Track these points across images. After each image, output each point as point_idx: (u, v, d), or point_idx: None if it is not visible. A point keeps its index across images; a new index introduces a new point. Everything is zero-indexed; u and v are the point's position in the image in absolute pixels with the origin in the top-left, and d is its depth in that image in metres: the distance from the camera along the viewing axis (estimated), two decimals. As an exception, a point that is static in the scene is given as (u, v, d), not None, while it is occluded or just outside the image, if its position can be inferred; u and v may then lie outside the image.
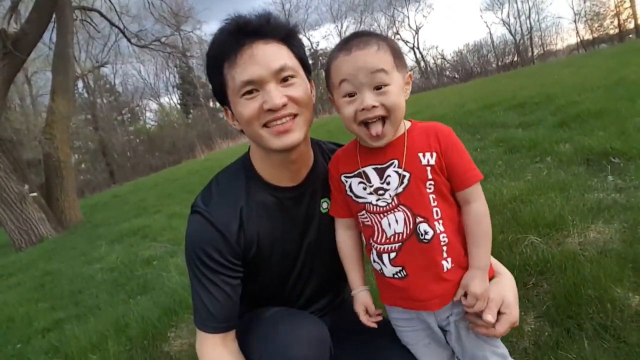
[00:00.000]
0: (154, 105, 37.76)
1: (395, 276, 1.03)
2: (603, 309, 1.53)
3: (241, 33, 1.00)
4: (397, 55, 0.99)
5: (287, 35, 1.04)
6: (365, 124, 0.97)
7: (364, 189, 1.04)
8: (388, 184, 1.01)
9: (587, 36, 33.49)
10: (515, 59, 34.09)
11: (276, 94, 0.98)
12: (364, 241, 1.10)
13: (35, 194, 8.56)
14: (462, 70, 33.41)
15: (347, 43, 0.98)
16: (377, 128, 0.97)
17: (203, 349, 1.07)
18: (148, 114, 37.86)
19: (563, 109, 5.20)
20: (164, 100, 37.98)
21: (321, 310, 1.31)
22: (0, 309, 4.11)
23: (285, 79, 1.01)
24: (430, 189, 1.00)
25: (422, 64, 36.22)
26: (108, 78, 33.86)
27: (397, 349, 1.12)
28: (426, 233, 0.99)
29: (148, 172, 25.14)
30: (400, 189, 1.00)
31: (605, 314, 1.51)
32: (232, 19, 1.02)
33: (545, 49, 35.38)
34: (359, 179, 1.04)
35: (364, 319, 1.12)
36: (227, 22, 1.03)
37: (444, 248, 1.00)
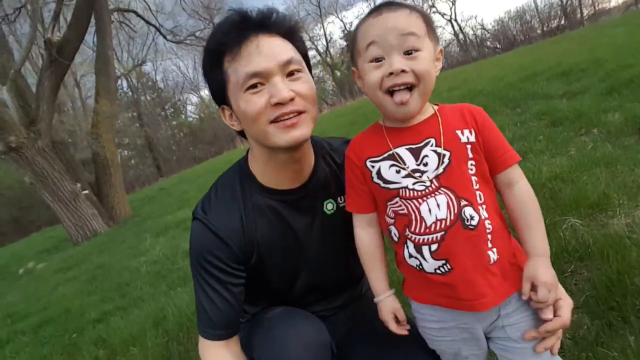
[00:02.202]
0: (194, 99, 38.90)
1: (438, 271, 0.91)
2: (650, 300, 1.38)
3: (245, 25, 0.96)
4: (429, 24, 0.92)
5: (290, 30, 1.01)
6: (391, 93, 0.89)
7: (397, 172, 0.92)
8: (425, 165, 0.90)
9: (646, -11, 30.44)
10: (563, 22, 31.72)
11: (283, 87, 0.93)
12: (397, 235, 0.97)
13: (87, 191, 9.09)
14: (504, 39, 31.62)
15: (377, 8, 0.92)
16: (403, 95, 0.88)
17: (205, 354, 1.07)
18: (189, 107, 39.07)
19: (613, 74, 4.77)
20: (204, 93, 38.91)
21: (338, 307, 1.27)
22: (59, 301, 4.43)
23: (291, 73, 0.96)
24: (472, 170, 0.91)
25: (461, 36, 34.63)
26: (150, 75, 35.20)
27: (423, 356, 1.05)
28: (472, 218, 0.88)
29: (192, 164, 26.03)
30: (440, 170, 0.89)
31: (652, 307, 1.36)
32: (235, 11, 0.99)
33: (597, 8, 32.57)
34: (391, 162, 0.93)
35: (393, 327, 1.02)
36: (229, 15, 0.99)
37: (489, 236, 0.89)
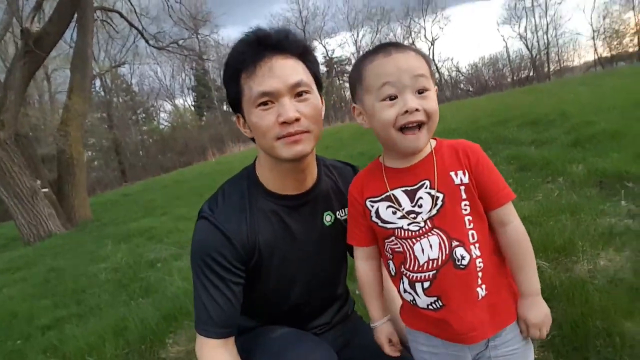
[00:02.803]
0: (168, 106, 38.24)
1: (430, 307, 0.96)
2: (612, 342, 1.47)
3: (261, 46, 1.02)
4: (430, 66, 0.97)
5: (304, 51, 1.07)
6: (401, 129, 0.93)
7: (394, 213, 0.97)
8: (420, 206, 0.95)
9: (605, 54, 33.14)
10: (531, 74, 33.83)
11: (290, 108, 1.00)
12: (394, 270, 1.03)
13: (46, 189, 8.68)
14: (476, 83, 33.27)
15: (383, 47, 0.96)
16: (414, 132, 0.93)
17: (204, 353, 1.06)
18: (162, 114, 38.34)
19: (578, 128, 5.12)
20: (179, 101, 38.40)
21: (327, 324, 1.29)
22: (4, 304, 4.15)
23: (299, 94, 1.03)
24: (466, 210, 0.94)
25: (437, 75, 36.13)
26: (125, 78, 34.45)
27: None
28: (463, 258, 0.93)
29: (159, 172, 25.38)
30: (433, 212, 0.94)
31: (614, 349, 1.46)
32: (252, 31, 1.05)
33: (562, 65, 35.05)
34: (388, 203, 0.98)
35: (387, 350, 1.08)
36: (247, 34, 1.06)
37: (479, 274, 0.94)
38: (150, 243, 5.52)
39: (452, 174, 0.95)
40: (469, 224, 0.94)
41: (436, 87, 0.99)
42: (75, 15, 9.31)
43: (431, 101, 0.92)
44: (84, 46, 10.10)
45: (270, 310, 1.22)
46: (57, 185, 9.30)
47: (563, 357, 1.50)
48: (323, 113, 1.11)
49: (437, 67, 36.22)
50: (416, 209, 0.95)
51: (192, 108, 38.01)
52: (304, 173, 1.13)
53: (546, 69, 34.09)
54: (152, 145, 34.78)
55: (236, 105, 1.09)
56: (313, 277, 1.21)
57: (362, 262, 1.09)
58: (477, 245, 0.94)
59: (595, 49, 33.35)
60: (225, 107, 38.22)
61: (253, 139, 1.12)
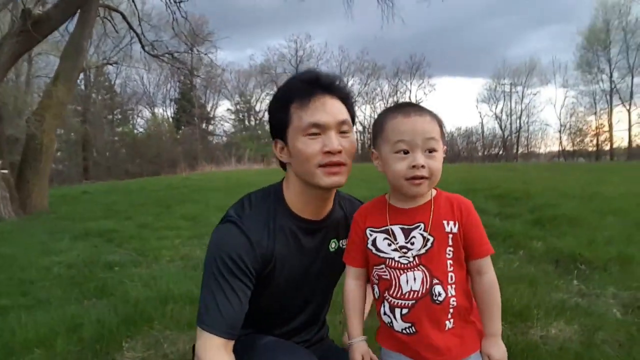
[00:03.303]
0: (146, 113, 37.67)
1: (404, 331, 1.09)
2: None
3: (316, 84, 1.16)
4: (442, 128, 1.12)
5: (346, 97, 1.22)
6: (409, 179, 1.08)
7: (389, 245, 1.11)
8: (412, 244, 1.09)
9: (569, 147, 35.77)
10: (501, 152, 35.91)
11: (336, 140, 1.14)
12: (377, 293, 1.15)
13: (6, 171, 8.30)
14: (450, 151, 34.87)
15: (404, 107, 1.11)
16: (419, 181, 1.07)
17: (207, 349, 1.07)
18: (139, 120, 37.69)
19: (540, 208, 5.50)
20: (158, 110, 37.93)
21: (308, 341, 1.37)
22: None
23: (343, 131, 1.17)
24: (449, 254, 1.08)
25: (414, 136, 37.61)
26: (109, 76, 33.95)
27: None
28: (439, 295, 1.07)
29: (123, 177, 24.61)
30: (422, 250, 1.08)
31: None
32: (309, 71, 1.22)
33: (529, 150, 37.53)
34: (385, 235, 1.12)
35: None
36: (304, 72, 1.22)
37: (451, 310, 1.08)
38: (110, 245, 5.35)
39: (445, 222, 1.09)
40: (450, 267, 1.08)
41: (445, 147, 1.14)
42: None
43: (436, 161, 1.08)
44: (80, 38, 10.04)
45: (263, 320, 1.27)
46: (18, 168, 8.90)
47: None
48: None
49: (416, 128, 37.73)
50: (408, 245, 1.09)
51: (171, 119, 37.63)
52: (326, 202, 1.24)
53: (515, 150, 36.30)
54: (122, 147, 33.89)
55: (280, 131, 1.19)
56: (310, 296, 1.31)
57: (352, 280, 1.21)
58: (453, 286, 1.08)
59: (561, 142, 36.02)
60: (204, 126, 38.17)
61: (282, 165, 1.24)
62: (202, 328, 1.08)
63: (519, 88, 36.75)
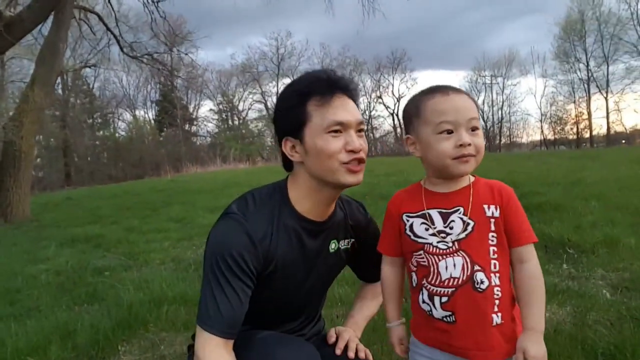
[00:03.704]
0: (127, 116, 37.04)
1: (445, 319, 1.05)
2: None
3: (334, 83, 1.17)
4: (478, 109, 1.10)
5: (357, 98, 1.23)
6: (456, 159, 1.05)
7: (426, 229, 1.08)
8: (451, 228, 1.05)
9: (550, 136, 36.51)
10: (485, 143, 36.32)
11: (357, 139, 1.15)
12: (415, 281, 1.11)
13: (-16, 180, 8.08)
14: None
15: (441, 88, 1.08)
16: (467, 158, 1.04)
17: (206, 349, 1.05)
18: (120, 123, 37.04)
19: (526, 196, 5.59)
20: (139, 113, 37.33)
21: (303, 335, 1.35)
22: None
23: (360, 130, 1.18)
24: (492, 241, 1.03)
25: (399, 130, 37.92)
26: (87, 80, 33.25)
27: None
28: (482, 282, 1.01)
29: (106, 181, 24.21)
30: (462, 235, 1.04)
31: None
32: (322, 70, 1.22)
33: (512, 140, 38.16)
34: (422, 220, 1.09)
35: (398, 350, 1.19)
36: (319, 70, 1.22)
37: (497, 302, 1.01)
38: (97, 250, 5.27)
39: (485, 206, 1.04)
40: (493, 254, 1.02)
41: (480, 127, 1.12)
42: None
43: (480, 138, 1.06)
44: (56, 40, 9.77)
45: (261, 320, 1.25)
46: (-3, 176, 8.67)
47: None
48: None
49: (400, 123, 38.11)
50: (447, 229, 1.05)
51: (153, 122, 37.09)
52: (333, 202, 1.24)
53: (498, 141, 36.87)
54: (103, 152, 33.30)
55: (296, 129, 1.16)
56: (309, 297, 1.30)
57: (388, 267, 1.20)
58: (497, 274, 1.02)
59: (542, 131, 36.69)
60: (187, 127, 37.72)
61: (286, 165, 1.22)
62: (202, 327, 1.07)
63: (499, 79, 37.31)
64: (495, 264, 1.03)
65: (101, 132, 34.58)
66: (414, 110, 1.10)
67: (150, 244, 5.25)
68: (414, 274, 1.12)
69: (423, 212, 1.09)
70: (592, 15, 32.48)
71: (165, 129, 36.08)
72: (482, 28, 55.87)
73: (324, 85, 1.15)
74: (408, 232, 1.10)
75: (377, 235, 1.25)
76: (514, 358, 1.00)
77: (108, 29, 15.11)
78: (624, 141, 31.75)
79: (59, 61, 10.13)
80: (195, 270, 3.82)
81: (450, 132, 1.04)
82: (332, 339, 1.31)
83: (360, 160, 1.15)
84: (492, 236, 1.04)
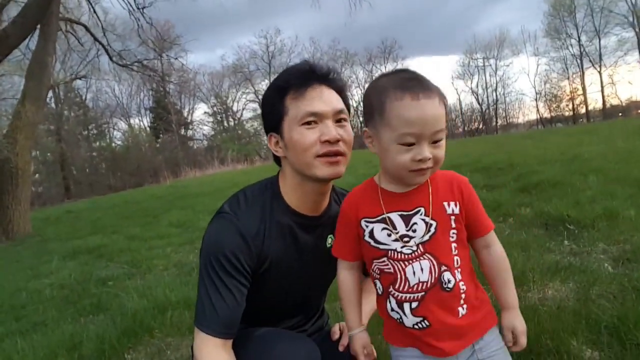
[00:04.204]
0: (122, 125, 36.98)
1: (416, 326, 1.02)
2: (560, 358, 1.64)
3: (312, 74, 1.14)
4: (446, 109, 1.01)
5: (342, 89, 1.19)
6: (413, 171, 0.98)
7: (388, 235, 1.02)
8: (414, 231, 1.00)
9: (546, 114, 36.47)
10: (481, 126, 36.40)
11: (333, 129, 1.11)
12: (381, 289, 1.06)
13: (-17, 199, 8.07)
14: (430, 130, 35.15)
15: (410, 85, 0.96)
16: (422, 172, 0.98)
17: (203, 350, 1.05)
18: (115, 132, 36.98)
19: (525, 176, 5.59)
20: (134, 121, 37.26)
21: (305, 331, 1.35)
22: None
23: (339, 120, 1.14)
24: (452, 237, 1.02)
25: (394, 119, 37.83)
26: (79, 91, 33.16)
27: None
28: (449, 282, 1.00)
29: (106, 192, 24.21)
30: (426, 237, 1.00)
31: (561, 366, 1.62)
32: (304, 62, 1.18)
33: (508, 121, 38.14)
34: (383, 225, 1.03)
35: (363, 358, 1.13)
36: (299, 63, 1.18)
37: (462, 295, 1.01)
38: (100, 261, 5.26)
39: (445, 204, 1.02)
40: (454, 250, 1.02)
41: (446, 131, 1.03)
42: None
43: (442, 150, 0.98)
44: (44, 54, 9.75)
45: (260, 315, 1.25)
46: (-5, 195, 8.66)
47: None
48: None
49: (395, 112, 38.02)
50: (410, 233, 1.00)
51: (148, 129, 37.03)
52: (323, 196, 1.21)
53: (494, 123, 36.83)
54: (101, 162, 33.27)
55: (275, 124, 1.15)
56: (307, 293, 1.29)
57: (345, 272, 1.14)
58: (459, 270, 1.01)
59: (538, 110, 36.72)
60: (183, 131, 37.65)
61: (277, 160, 1.21)
62: (199, 328, 1.06)
63: (492, 61, 37.23)
64: (457, 260, 1.02)
65: (97, 143, 34.58)
66: (378, 106, 0.99)
67: (153, 251, 5.25)
68: (377, 281, 1.07)
69: (383, 216, 1.03)
70: (581, -12, 32.33)
71: (161, 135, 36.03)
72: (472, 11, 55.72)
73: (300, 77, 1.13)
74: (368, 238, 1.05)
75: None
76: (504, 336, 1.05)
77: (96, 39, 15.05)
78: (620, 114, 31.69)
79: (48, 75, 10.09)
80: (198, 274, 3.82)
81: (411, 144, 0.96)
82: (335, 335, 1.30)
83: (338, 152, 1.11)
84: (453, 233, 1.02)
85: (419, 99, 0.94)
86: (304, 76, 1.13)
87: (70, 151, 29.41)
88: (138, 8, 13.36)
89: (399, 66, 38.55)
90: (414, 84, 0.96)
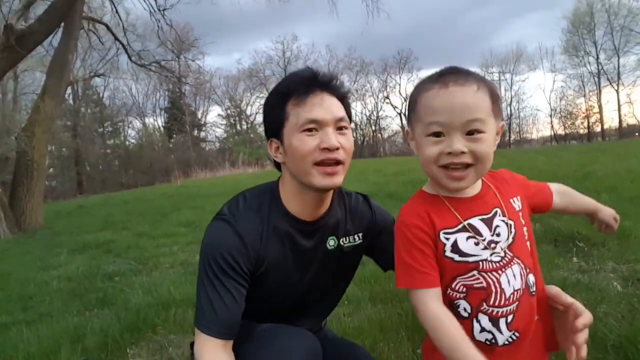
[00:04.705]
0: (137, 124, 37.51)
1: (506, 342, 0.89)
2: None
3: (314, 81, 1.13)
4: (496, 100, 0.89)
5: (344, 96, 1.18)
6: (447, 167, 0.88)
7: (476, 244, 0.89)
8: (498, 235, 0.90)
9: (560, 131, 36.05)
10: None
11: (333, 137, 1.10)
12: (468, 310, 0.91)
13: (-2, 190, 8.23)
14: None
15: (443, 76, 0.89)
16: (459, 173, 0.87)
17: (203, 351, 1.06)
18: (130, 131, 37.52)
19: (536, 191, 5.52)
20: (149, 120, 37.77)
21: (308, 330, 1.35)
22: None
23: (340, 128, 1.13)
24: (526, 235, 0.95)
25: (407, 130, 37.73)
26: (97, 89, 33.77)
27: None
28: (534, 284, 0.92)
29: (118, 189, 24.54)
30: (510, 239, 0.91)
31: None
32: (307, 68, 1.18)
33: (522, 136, 37.79)
34: (467, 234, 0.90)
35: None
36: (302, 70, 1.18)
37: (536, 298, 0.93)
38: (108, 256, 5.32)
39: (512, 201, 0.95)
40: (529, 248, 0.95)
41: (502, 124, 0.93)
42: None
43: (483, 144, 0.86)
44: (65, 51, 9.97)
45: (262, 313, 1.25)
46: (10, 186, 8.83)
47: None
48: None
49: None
50: (495, 238, 0.90)
51: (162, 129, 37.49)
52: (323, 202, 1.19)
53: (507, 138, 36.50)
54: (114, 160, 33.74)
55: (276, 129, 1.15)
56: (307, 298, 1.27)
57: (435, 304, 0.88)
58: (535, 270, 0.95)
59: (552, 126, 36.29)
60: (196, 133, 38.04)
61: (277, 165, 1.21)
62: (200, 329, 1.07)
63: (508, 75, 37.02)
64: (532, 261, 0.95)
65: (112, 141, 35.04)
66: (412, 102, 0.95)
67: (160, 249, 5.30)
68: (462, 301, 0.91)
69: (462, 224, 0.90)
70: (602, 7, 32.10)
71: (174, 136, 36.45)
72: (489, 25, 55.57)
73: (302, 84, 1.13)
74: (449, 253, 0.89)
75: (387, 223, 1.23)
76: (607, 225, 1.18)
77: (116, 38, 15.35)
78: (637, 134, 31.21)
79: (68, 71, 10.31)
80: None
81: (440, 134, 0.87)
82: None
83: (337, 161, 1.10)
84: (525, 230, 0.95)
85: (447, 87, 0.87)
86: (306, 83, 1.13)
87: (85, 147, 29.90)
88: (159, 10, 13.62)
89: (414, 77, 38.70)
90: (448, 74, 0.89)
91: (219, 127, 40.07)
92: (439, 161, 0.88)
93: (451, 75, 0.89)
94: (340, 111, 1.14)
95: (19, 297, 3.89)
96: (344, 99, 1.18)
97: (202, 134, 39.67)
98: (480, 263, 0.89)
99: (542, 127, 37.98)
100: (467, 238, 0.90)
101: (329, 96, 1.13)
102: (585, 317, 0.91)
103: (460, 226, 0.90)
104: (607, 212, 1.15)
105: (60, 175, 29.33)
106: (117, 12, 14.62)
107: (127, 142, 35.64)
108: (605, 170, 6.87)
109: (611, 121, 34.19)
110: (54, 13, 8.21)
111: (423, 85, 0.92)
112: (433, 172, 0.90)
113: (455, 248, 0.89)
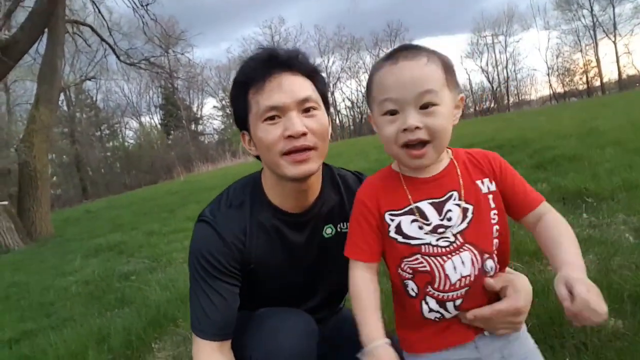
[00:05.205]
0: (134, 124, 37.43)
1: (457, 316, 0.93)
2: (583, 329, 1.63)
3: (272, 62, 1.03)
4: (449, 72, 0.88)
5: (313, 71, 1.08)
6: (407, 146, 0.87)
7: (420, 227, 0.89)
8: (449, 219, 0.88)
9: (559, 89, 35.72)
10: (492, 105, 35.81)
11: (297, 122, 1.00)
12: (415, 291, 0.92)
13: (6, 202, 8.28)
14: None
15: (393, 54, 0.89)
16: (418, 150, 0.86)
17: (200, 355, 1.05)
18: (128, 132, 37.47)
19: (539, 152, 5.50)
20: (145, 119, 37.68)
21: (318, 320, 1.30)
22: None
23: (307, 110, 1.03)
24: (494, 219, 0.90)
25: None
26: (90, 93, 33.59)
27: None
28: (491, 269, 0.90)
29: (122, 191, 24.65)
30: (464, 225, 0.88)
31: (585, 334, 1.61)
32: (264, 49, 1.07)
33: (520, 98, 37.53)
34: (412, 217, 0.89)
35: None
36: (259, 52, 1.07)
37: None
38: (121, 257, 5.38)
39: (479, 182, 0.91)
40: (496, 233, 0.90)
41: (462, 96, 0.92)
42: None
43: (438, 117, 0.84)
44: (53, 57, 9.87)
45: (270, 305, 1.21)
46: (17, 198, 8.89)
47: (542, 342, 1.63)
48: (330, 132, 1.10)
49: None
50: (445, 222, 0.88)
51: (159, 126, 37.39)
52: (306, 192, 1.11)
53: (506, 101, 36.22)
54: (115, 162, 33.82)
55: (243, 121, 1.08)
56: (314, 288, 1.24)
57: (361, 272, 0.94)
58: (496, 252, 0.91)
59: (550, 85, 35.97)
60: (193, 127, 37.94)
61: (258, 157, 1.12)
62: (195, 333, 1.07)
63: (501, 37, 36.49)
64: (496, 243, 0.91)
65: (110, 143, 35.10)
66: (368, 83, 0.93)
67: (172, 245, 5.35)
68: (410, 281, 0.92)
69: (410, 206, 0.90)
70: (591, -43, 31.29)
71: (172, 132, 36.38)
72: (478, -13, 54.34)
73: (259, 68, 1.03)
74: (394, 234, 0.91)
75: None
76: (559, 293, 0.81)
77: (102, 39, 15.17)
78: (638, 84, 30.83)
79: (58, 77, 10.24)
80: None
81: (394, 112, 0.86)
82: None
83: (305, 147, 1.00)
84: (494, 214, 0.90)
85: (397, 62, 0.86)
86: (263, 66, 1.03)
87: (85, 152, 29.94)
88: (142, 5, 13.39)
89: (406, 48, 38.06)
90: (398, 52, 0.89)
91: (216, 119, 40.03)
92: (397, 140, 0.87)
93: (402, 51, 0.89)
94: (303, 91, 1.03)
95: (39, 304, 3.96)
96: (312, 75, 1.07)
97: (200, 127, 39.68)
98: (423, 247, 0.89)
99: (540, 87, 38.02)
100: (412, 221, 0.90)
101: (290, 76, 1.03)
102: (513, 300, 0.89)
103: (407, 209, 0.91)
104: (584, 295, 0.76)
105: (64, 183, 29.45)
106: (99, 12, 14.42)
107: (125, 143, 35.68)
108: (609, 125, 6.82)
109: (610, 74, 33.87)
110: (36, 19, 8.11)
111: (376, 65, 0.92)
112: (394, 151, 0.90)
113: (399, 230, 0.91)
